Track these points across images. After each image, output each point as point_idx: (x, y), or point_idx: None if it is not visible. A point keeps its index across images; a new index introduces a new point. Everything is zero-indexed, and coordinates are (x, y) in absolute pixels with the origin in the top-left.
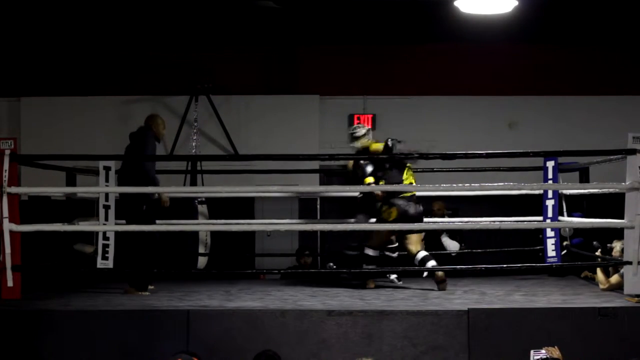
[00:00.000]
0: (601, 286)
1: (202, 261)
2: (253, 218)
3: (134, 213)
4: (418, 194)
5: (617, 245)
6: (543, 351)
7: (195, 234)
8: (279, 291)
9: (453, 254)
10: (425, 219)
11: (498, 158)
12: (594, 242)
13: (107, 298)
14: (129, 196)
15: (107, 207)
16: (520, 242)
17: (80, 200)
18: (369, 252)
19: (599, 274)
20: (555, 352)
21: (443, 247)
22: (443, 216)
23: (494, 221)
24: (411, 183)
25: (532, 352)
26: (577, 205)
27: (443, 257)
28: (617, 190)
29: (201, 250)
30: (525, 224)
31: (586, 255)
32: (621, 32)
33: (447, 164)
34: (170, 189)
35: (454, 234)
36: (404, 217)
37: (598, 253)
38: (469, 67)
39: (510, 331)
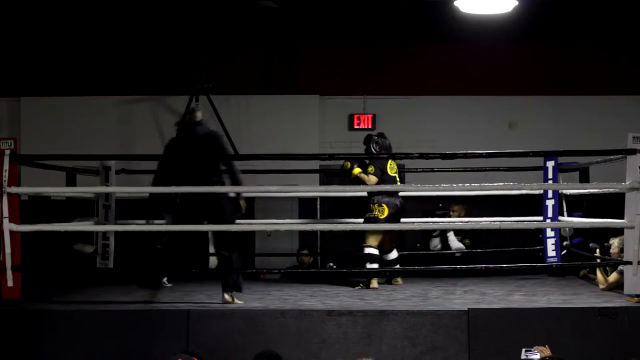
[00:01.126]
0: (601, 286)
1: (212, 261)
2: (253, 218)
3: (227, 215)
4: (418, 194)
5: (614, 242)
6: (534, 350)
7: (204, 233)
8: (279, 291)
9: (457, 254)
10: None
11: (498, 158)
12: (591, 244)
13: (107, 298)
14: (223, 199)
15: (107, 207)
16: (520, 242)
17: (80, 200)
18: (371, 250)
19: (599, 275)
20: (546, 351)
21: (447, 245)
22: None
23: (494, 221)
24: (395, 176)
25: (523, 350)
26: (577, 205)
27: (444, 256)
28: (617, 190)
29: (211, 250)
30: (525, 224)
31: (586, 255)
32: (621, 31)
33: (447, 164)
34: (171, 189)
35: (463, 235)
36: (394, 213)
37: (597, 253)
38: (469, 67)
39: (510, 331)
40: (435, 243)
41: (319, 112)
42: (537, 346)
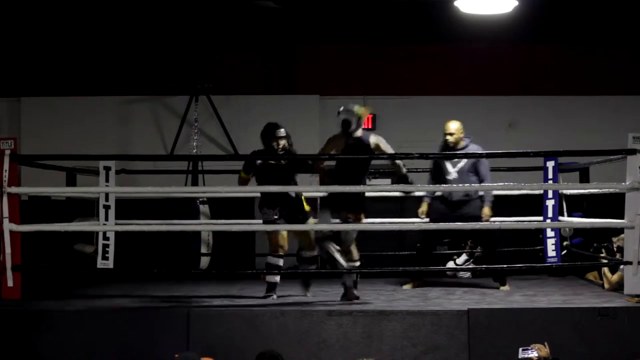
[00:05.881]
0: (606, 285)
1: (204, 261)
2: (253, 218)
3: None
4: (418, 194)
5: (618, 241)
6: (531, 348)
7: (197, 234)
8: (279, 291)
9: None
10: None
11: (498, 158)
12: (595, 244)
13: (107, 298)
14: None
15: (107, 207)
16: (520, 242)
17: (80, 200)
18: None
19: (606, 274)
20: (544, 349)
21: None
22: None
23: (494, 221)
24: None
25: (520, 349)
26: (577, 205)
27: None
28: (617, 190)
29: (203, 250)
30: (525, 224)
31: (586, 255)
32: (621, 31)
33: None
34: (171, 189)
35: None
36: None
37: (603, 253)
38: (469, 67)
39: (510, 331)
40: (463, 259)
41: (319, 112)
42: (535, 344)
